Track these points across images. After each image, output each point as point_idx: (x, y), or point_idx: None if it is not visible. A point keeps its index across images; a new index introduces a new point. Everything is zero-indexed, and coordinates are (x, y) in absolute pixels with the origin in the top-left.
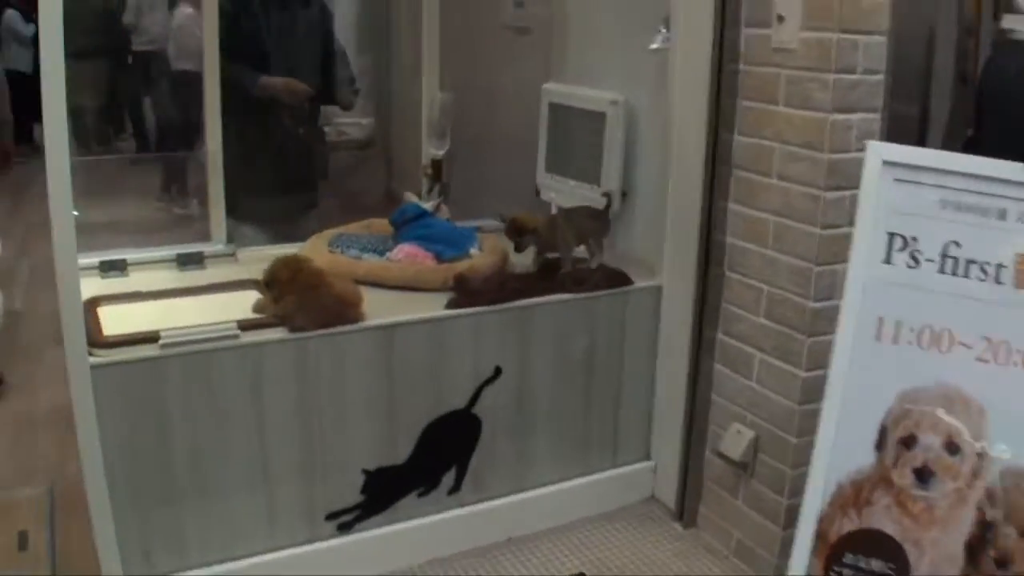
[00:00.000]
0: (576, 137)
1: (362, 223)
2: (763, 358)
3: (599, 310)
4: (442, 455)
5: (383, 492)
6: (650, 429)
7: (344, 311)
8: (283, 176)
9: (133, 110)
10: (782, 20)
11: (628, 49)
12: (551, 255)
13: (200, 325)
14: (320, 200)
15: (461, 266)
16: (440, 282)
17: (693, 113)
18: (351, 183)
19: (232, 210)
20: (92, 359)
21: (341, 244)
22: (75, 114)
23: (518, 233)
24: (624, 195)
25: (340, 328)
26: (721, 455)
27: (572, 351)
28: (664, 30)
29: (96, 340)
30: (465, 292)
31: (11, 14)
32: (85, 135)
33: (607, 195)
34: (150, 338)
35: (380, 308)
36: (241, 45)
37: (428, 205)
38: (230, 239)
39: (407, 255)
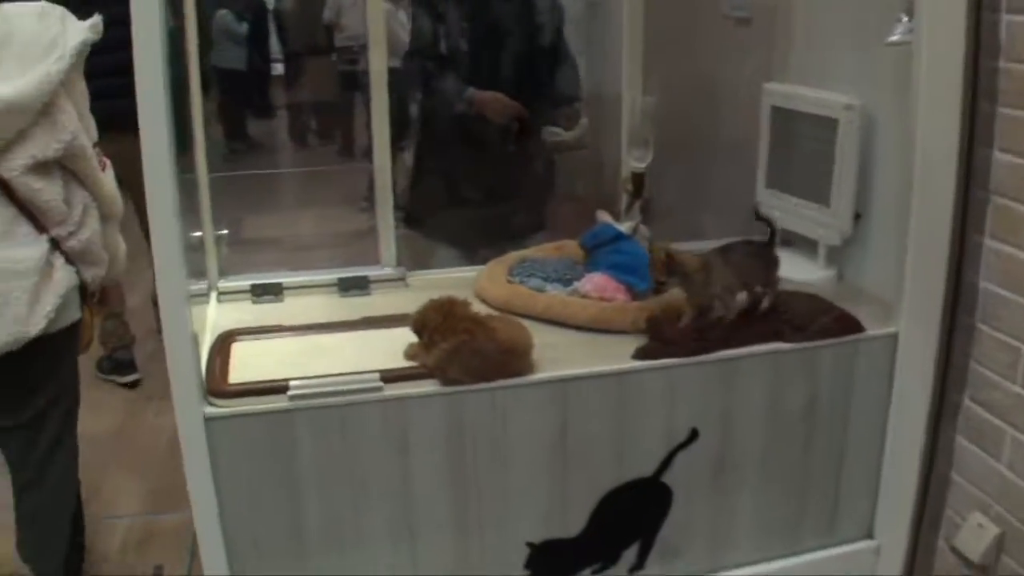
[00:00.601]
0: (803, 147)
1: (554, 244)
2: (1016, 437)
3: (822, 362)
4: (623, 528)
5: (551, 568)
6: (875, 503)
7: (507, 362)
8: (495, 194)
9: (341, 109)
10: None
11: (865, 42)
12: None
13: (338, 375)
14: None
15: (655, 304)
16: (629, 323)
17: (941, 122)
18: (561, 192)
19: (434, 231)
20: (208, 409)
21: (523, 272)
22: (293, 112)
23: (668, 272)
24: (857, 217)
25: (502, 382)
26: (956, 551)
27: (786, 411)
28: (905, 18)
29: (217, 387)
30: (658, 338)
31: (224, 13)
32: (302, 135)
33: (768, 220)
34: (278, 388)
35: (557, 354)
36: (448, 49)
37: (625, 227)
38: (399, 262)
39: (595, 287)
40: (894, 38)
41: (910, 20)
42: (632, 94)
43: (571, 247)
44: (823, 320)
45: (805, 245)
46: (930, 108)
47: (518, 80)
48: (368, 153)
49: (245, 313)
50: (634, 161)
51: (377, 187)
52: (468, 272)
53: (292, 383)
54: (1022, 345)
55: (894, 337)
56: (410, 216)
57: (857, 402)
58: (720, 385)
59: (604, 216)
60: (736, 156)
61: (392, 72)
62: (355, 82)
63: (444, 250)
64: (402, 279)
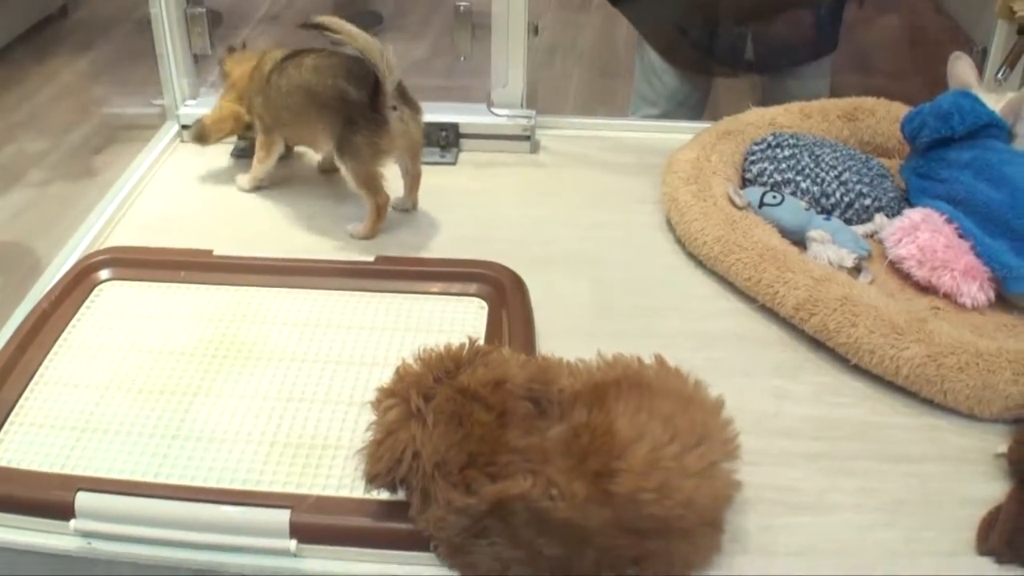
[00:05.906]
0: None
1: (850, 102)
2: None
3: None
4: None
5: None
6: None
7: (649, 553)
8: None
9: None
10: None
11: None
12: None
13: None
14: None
15: None
16: (964, 399)
17: None
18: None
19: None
20: None
21: (769, 171)
22: None
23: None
24: None
25: None
26: None
27: None
28: None
29: None
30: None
31: None
32: None
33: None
34: (62, 507)
35: (800, 473)
36: None
37: (995, 99)
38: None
39: (921, 253)
40: None
41: None
42: None
43: (883, 116)
44: None
45: None
46: None
47: None
48: None
49: (204, 173)
50: None
51: None
52: (661, 132)
53: (79, 500)
54: None
55: None
56: None
57: None
58: None
59: (962, 69)
60: None
61: None
62: None
63: (659, 67)
64: (527, 137)
